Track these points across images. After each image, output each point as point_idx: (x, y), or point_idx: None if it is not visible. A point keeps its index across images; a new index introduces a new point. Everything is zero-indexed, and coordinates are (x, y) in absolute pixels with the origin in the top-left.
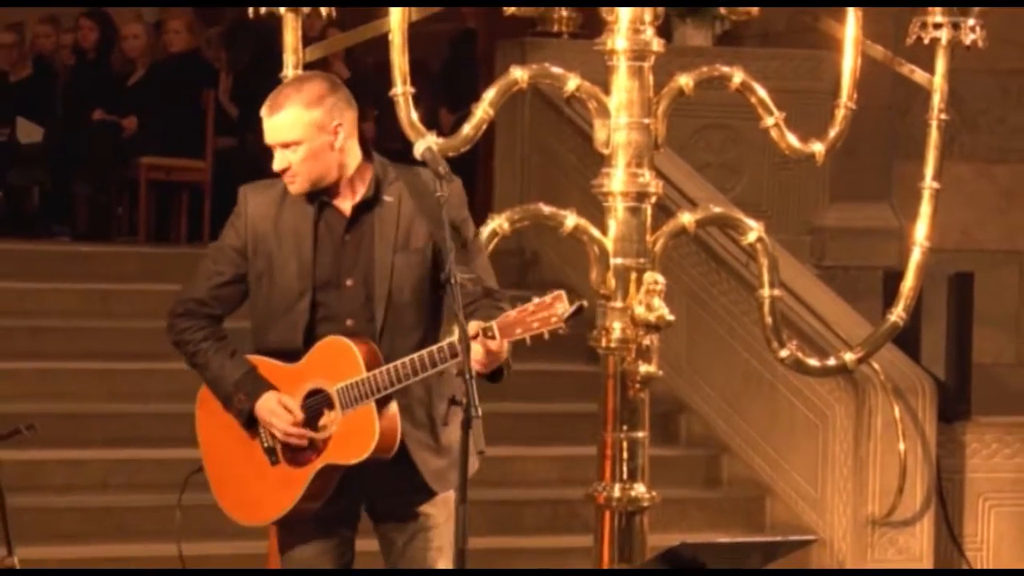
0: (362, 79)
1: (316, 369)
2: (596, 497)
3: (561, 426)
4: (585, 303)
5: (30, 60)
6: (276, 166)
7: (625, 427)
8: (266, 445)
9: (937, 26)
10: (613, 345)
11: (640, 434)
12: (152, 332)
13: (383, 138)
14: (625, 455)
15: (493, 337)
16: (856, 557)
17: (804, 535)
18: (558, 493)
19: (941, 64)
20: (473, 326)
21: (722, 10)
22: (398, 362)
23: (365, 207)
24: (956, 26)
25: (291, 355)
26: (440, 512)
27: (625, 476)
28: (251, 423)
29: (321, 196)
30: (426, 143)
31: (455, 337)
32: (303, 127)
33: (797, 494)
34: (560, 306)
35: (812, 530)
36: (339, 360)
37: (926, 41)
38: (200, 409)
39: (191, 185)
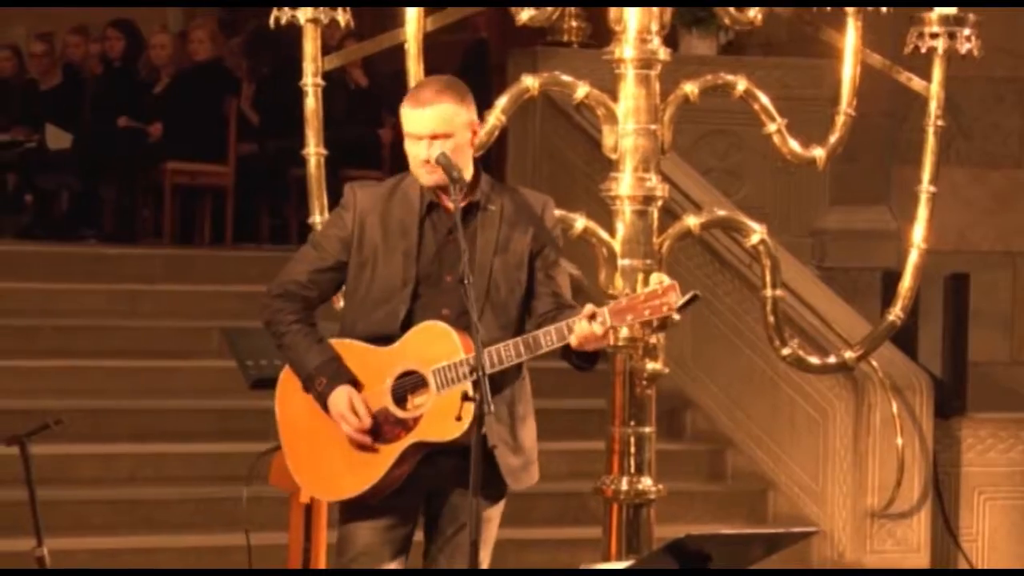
0: (379, 87)
1: (411, 352)
2: (604, 490)
3: (571, 422)
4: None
5: (60, 69)
6: (424, 156)
7: (632, 423)
8: None
9: (934, 35)
10: (621, 343)
11: (647, 429)
12: (177, 331)
13: (400, 144)
14: (632, 450)
15: (604, 322)
16: (855, 548)
17: (805, 527)
18: (568, 486)
19: (938, 72)
20: (588, 308)
21: (726, 20)
22: (499, 345)
23: (471, 210)
24: (952, 35)
25: (386, 340)
26: (494, 511)
27: (632, 470)
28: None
29: (431, 196)
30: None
31: (561, 322)
32: (456, 122)
33: (798, 487)
34: (673, 295)
35: (813, 522)
36: (437, 343)
37: (923, 50)
38: (282, 389)
39: (214, 189)
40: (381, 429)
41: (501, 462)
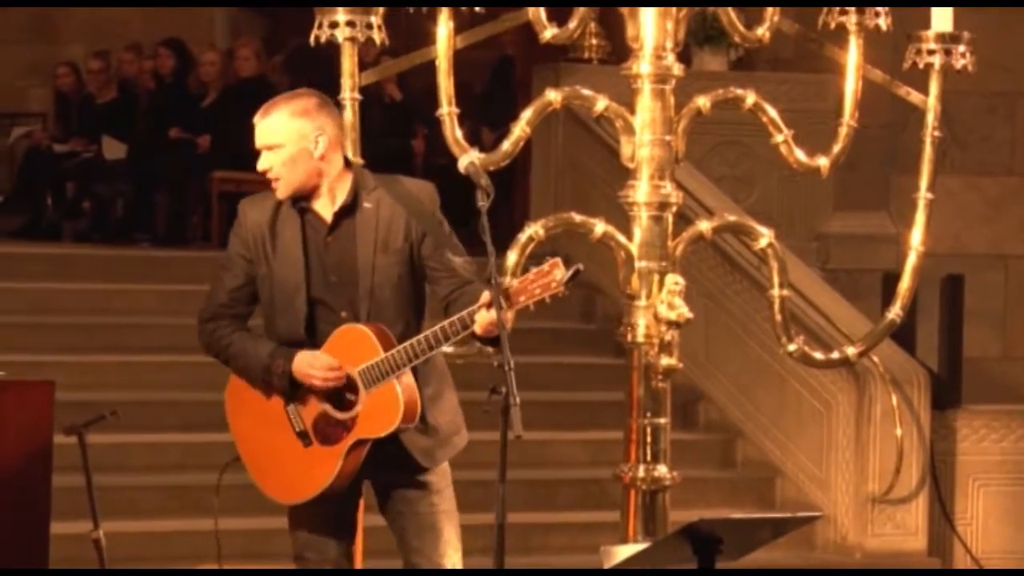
0: (412, 101)
1: (336, 356)
2: (623, 477)
3: (591, 413)
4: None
5: (115, 84)
6: (260, 166)
7: (649, 414)
8: (298, 430)
9: (931, 52)
10: (638, 340)
11: (662, 420)
12: None
13: (431, 154)
14: (649, 439)
15: (501, 307)
16: (857, 532)
17: (810, 512)
18: (588, 473)
19: (934, 86)
20: (485, 296)
21: (736, 38)
22: (413, 340)
23: (345, 212)
24: (948, 52)
25: (297, 345)
26: (440, 479)
27: (649, 458)
28: (292, 387)
29: (301, 203)
30: (469, 158)
31: (463, 312)
32: (286, 132)
33: (804, 475)
34: (558, 272)
35: (818, 507)
36: (356, 345)
37: (921, 66)
38: (229, 404)
39: None
40: (324, 432)
41: (409, 445)
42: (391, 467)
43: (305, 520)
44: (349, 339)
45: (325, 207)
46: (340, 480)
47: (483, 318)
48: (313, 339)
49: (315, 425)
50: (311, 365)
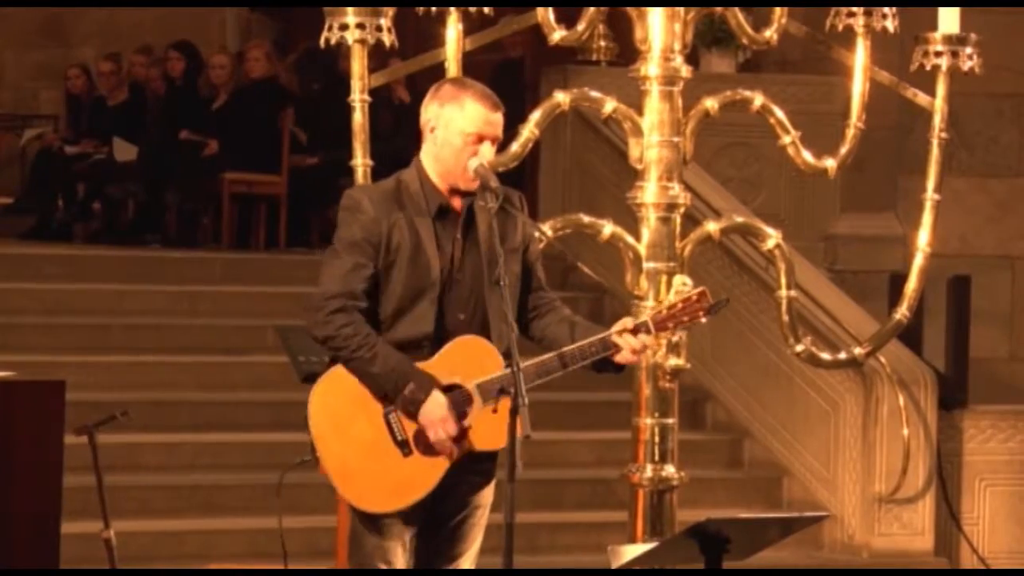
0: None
1: (453, 366)
2: (630, 477)
3: (599, 413)
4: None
5: (126, 86)
6: (487, 158)
7: (656, 414)
8: (399, 438)
9: (938, 54)
10: None
11: (670, 420)
12: (234, 329)
13: None
14: (656, 439)
15: (649, 332)
16: (864, 531)
17: (818, 511)
18: (596, 473)
19: (941, 88)
20: (627, 322)
21: (744, 40)
22: (544, 357)
23: (472, 210)
24: (955, 54)
25: (416, 344)
26: (489, 496)
27: (656, 458)
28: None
29: (439, 199)
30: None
31: (606, 333)
32: None
33: (811, 474)
34: (706, 301)
35: (825, 507)
36: (477, 356)
37: (928, 68)
38: (319, 401)
39: (269, 197)
40: (427, 443)
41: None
42: (480, 478)
43: (380, 527)
44: (469, 349)
45: (458, 204)
46: (436, 491)
47: (628, 343)
48: (437, 340)
49: (418, 435)
50: (443, 423)
